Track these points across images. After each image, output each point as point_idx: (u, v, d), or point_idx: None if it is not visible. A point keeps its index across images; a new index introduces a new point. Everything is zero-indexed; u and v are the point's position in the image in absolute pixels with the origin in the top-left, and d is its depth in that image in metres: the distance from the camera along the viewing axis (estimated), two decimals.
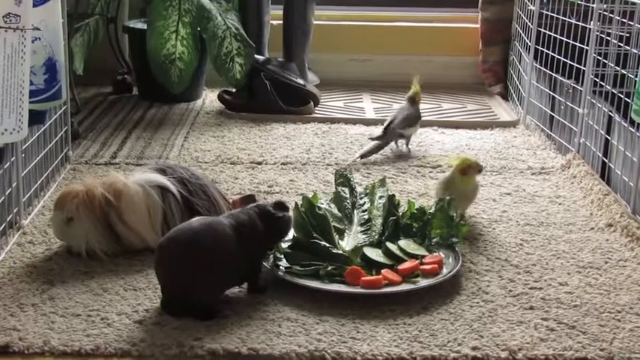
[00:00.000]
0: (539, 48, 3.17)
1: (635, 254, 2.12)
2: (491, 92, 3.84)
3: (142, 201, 2.04)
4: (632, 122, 2.34)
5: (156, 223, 2.04)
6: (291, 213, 1.93)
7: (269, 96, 3.35)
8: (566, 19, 2.98)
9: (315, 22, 3.65)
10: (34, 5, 2.01)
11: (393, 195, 2.17)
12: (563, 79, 2.96)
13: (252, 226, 1.83)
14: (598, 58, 2.71)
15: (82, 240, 2.02)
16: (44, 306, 1.79)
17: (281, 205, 1.89)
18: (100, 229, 2.02)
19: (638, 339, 1.72)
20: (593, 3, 2.71)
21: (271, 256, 1.97)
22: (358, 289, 1.86)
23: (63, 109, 2.58)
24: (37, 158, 2.35)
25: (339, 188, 2.20)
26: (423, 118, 3.38)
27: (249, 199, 2.12)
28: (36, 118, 2.18)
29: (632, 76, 2.46)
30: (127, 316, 1.75)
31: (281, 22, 3.61)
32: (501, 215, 2.35)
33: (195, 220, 1.80)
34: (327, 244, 1.97)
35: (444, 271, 1.95)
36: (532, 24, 3.23)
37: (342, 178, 2.24)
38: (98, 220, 2.01)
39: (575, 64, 2.87)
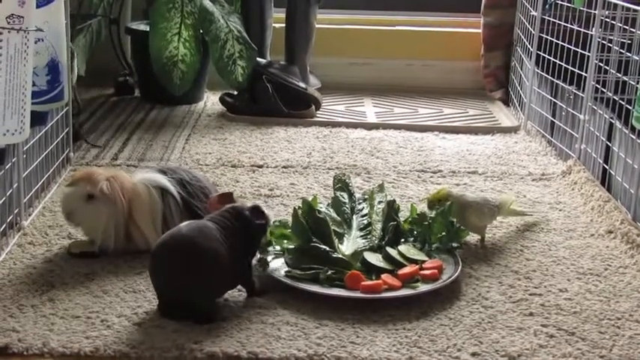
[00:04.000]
0: (541, 54, 3.17)
1: (635, 261, 2.12)
2: (493, 97, 3.84)
3: (146, 200, 2.04)
4: (633, 129, 2.34)
5: (157, 223, 2.04)
6: (269, 215, 1.91)
7: (270, 99, 3.35)
8: (568, 25, 2.98)
9: (317, 26, 3.65)
10: (38, 6, 2.01)
11: (394, 200, 2.17)
12: (564, 85, 2.96)
13: (232, 228, 1.82)
14: (599, 65, 2.72)
15: (99, 223, 2.00)
16: (44, 307, 1.79)
17: (257, 211, 1.87)
18: (121, 219, 2.00)
19: (638, 346, 1.72)
20: (595, 9, 2.72)
21: (270, 259, 1.97)
22: (358, 294, 1.86)
23: (65, 110, 2.59)
24: (39, 159, 2.35)
25: (338, 193, 2.20)
26: (424, 123, 3.39)
27: (227, 197, 2.04)
28: (38, 119, 2.19)
29: (633, 83, 2.46)
30: (126, 319, 1.75)
31: (283, 25, 3.61)
32: (501, 221, 2.35)
33: (184, 225, 1.79)
34: (327, 249, 1.97)
35: (444, 276, 1.95)
36: (534, 29, 3.23)
37: (341, 183, 2.24)
38: (123, 209, 1.99)
39: (576, 71, 2.87)
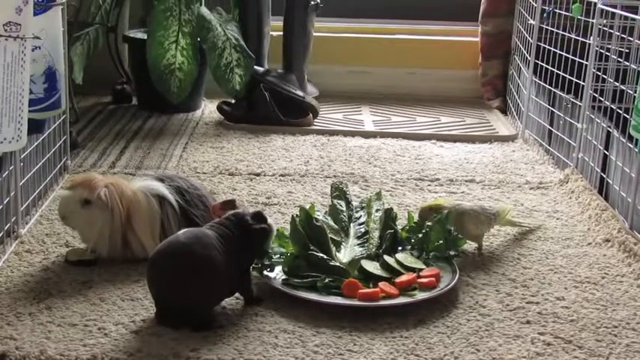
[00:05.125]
0: (539, 62, 3.18)
1: (632, 270, 2.12)
2: (490, 106, 3.84)
3: (145, 208, 2.03)
4: (630, 138, 2.35)
5: (155, 231, 2.04)
6: (272, 222, 1.90)
7: (268, 107, 3.35)
8: (566, 34, 2.98)
9: (314, 34, 3.65)
10: (35, 14, 2.01)
11: (391, 208, 2.17)
12: (562, 94, 2.96)
13: (231, 235, 1.81)
14: (597, 74, 2.72)
15: (94, 228, 1.99)
16: (41, 315, 1.79)
17: (259, 216, 1.87)
18: (118, 226, 1.99)
19: (635, 354, 1.72)
20: (592, 18, 2.72)
21: (267, 266, 1.97)
22: (355, 302, 1.86)
23: (62, 118, 2.59)
24: (36, 167, 2.35)
25: (335, 201, 2.21)
26: (422, 132, 3.39)
27: (230, 204, 2.04)
28: (35, 127, 2.18)
29: (631, 92, 2.47)
30: (123, 326, 1.75)
31: (281, 33, 3.61)
32: (499, 229, 2.35)
33: (182, 233, 1.79)
34: (325, 257, 1.97)
35: (441, 284, 1.95)
36: (532, 38, 3.24)
37: (338, 191, 2.24)
38: (120, 216, 1.99)
39: (574, 79, 2.88)
